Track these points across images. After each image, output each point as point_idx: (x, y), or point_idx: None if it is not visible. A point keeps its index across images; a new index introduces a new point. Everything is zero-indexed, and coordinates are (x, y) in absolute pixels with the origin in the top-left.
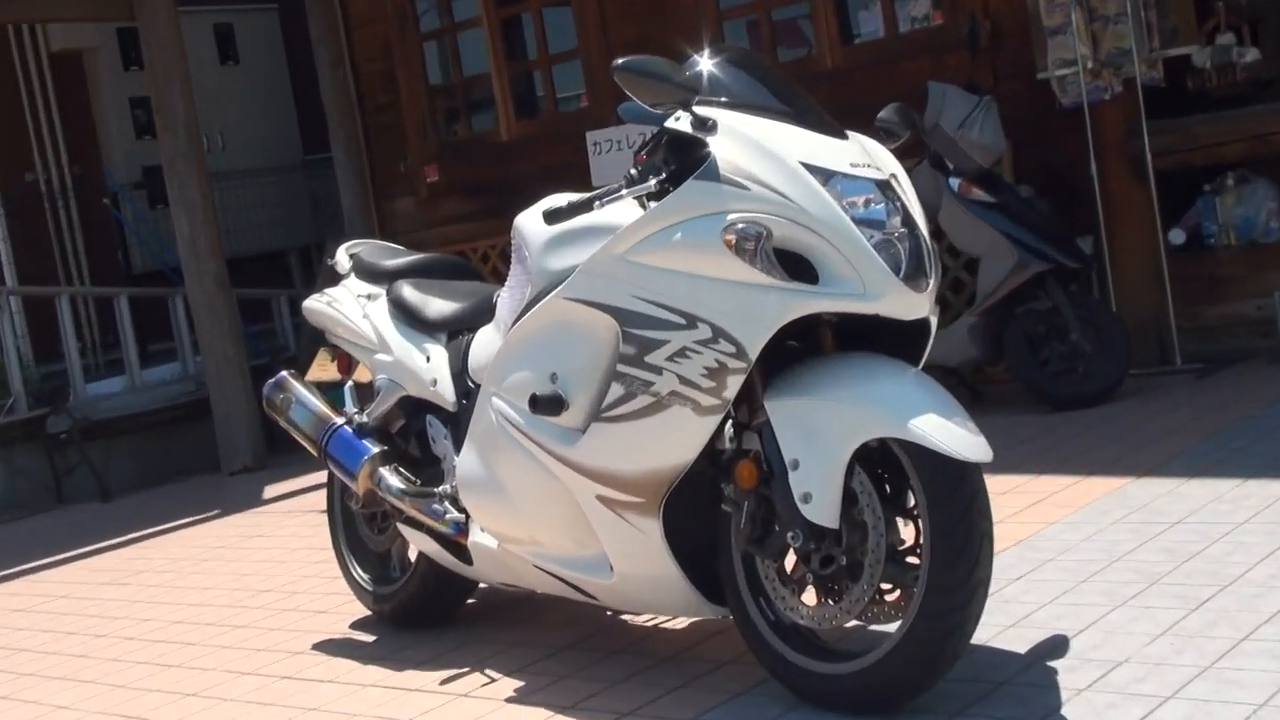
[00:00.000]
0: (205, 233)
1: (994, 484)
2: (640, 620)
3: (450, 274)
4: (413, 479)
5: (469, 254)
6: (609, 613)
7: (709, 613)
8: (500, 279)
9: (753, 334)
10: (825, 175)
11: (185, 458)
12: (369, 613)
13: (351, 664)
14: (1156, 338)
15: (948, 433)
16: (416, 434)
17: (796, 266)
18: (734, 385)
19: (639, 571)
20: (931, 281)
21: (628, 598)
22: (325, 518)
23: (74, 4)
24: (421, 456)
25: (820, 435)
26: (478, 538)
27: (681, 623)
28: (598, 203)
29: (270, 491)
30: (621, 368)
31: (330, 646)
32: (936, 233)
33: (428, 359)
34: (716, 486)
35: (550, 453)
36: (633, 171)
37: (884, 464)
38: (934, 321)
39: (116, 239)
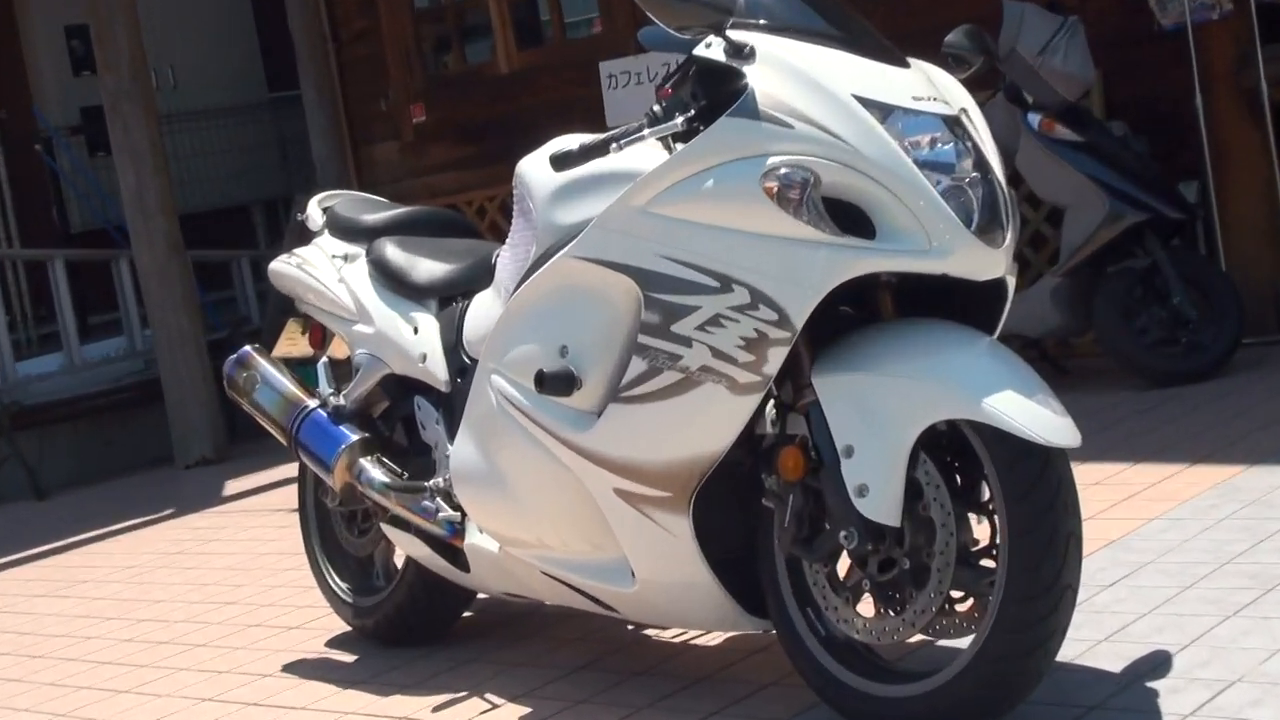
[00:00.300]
0: (154, 185)
1: (1082, 474)
2: (667, 636)
3: (441, 230)
4: (399, 471)
5: (462, 207)
6: (630, 627)
7: (748, 626)
8: (499, 236)
9: (798, 298)
10: (883, 110)
11: (133, 448)
12: (349, 628)
13: (329, 688)
14: (1273, 301)
15: (1028, 413)
16: (403, 418)
17: (849, 218)
18: (776, 359)
19: (665, 578)
20: (1008, 235)
21: (652, 609)
22: (297, 518)
23: None
24: (409, 445)
25: (878, 417)
26: (476, 540)
27: (715, 639)
28: (614, 145)
29: (233, 487)
30: (643, 339)
31: (304, 668)
32: (1014, 178)
33: (415, 330)
34: (756, 479)
35: (560, 439)
36: (655, 108)
37: (954, 451)
38: (1011, 283)
39: (50, 193)
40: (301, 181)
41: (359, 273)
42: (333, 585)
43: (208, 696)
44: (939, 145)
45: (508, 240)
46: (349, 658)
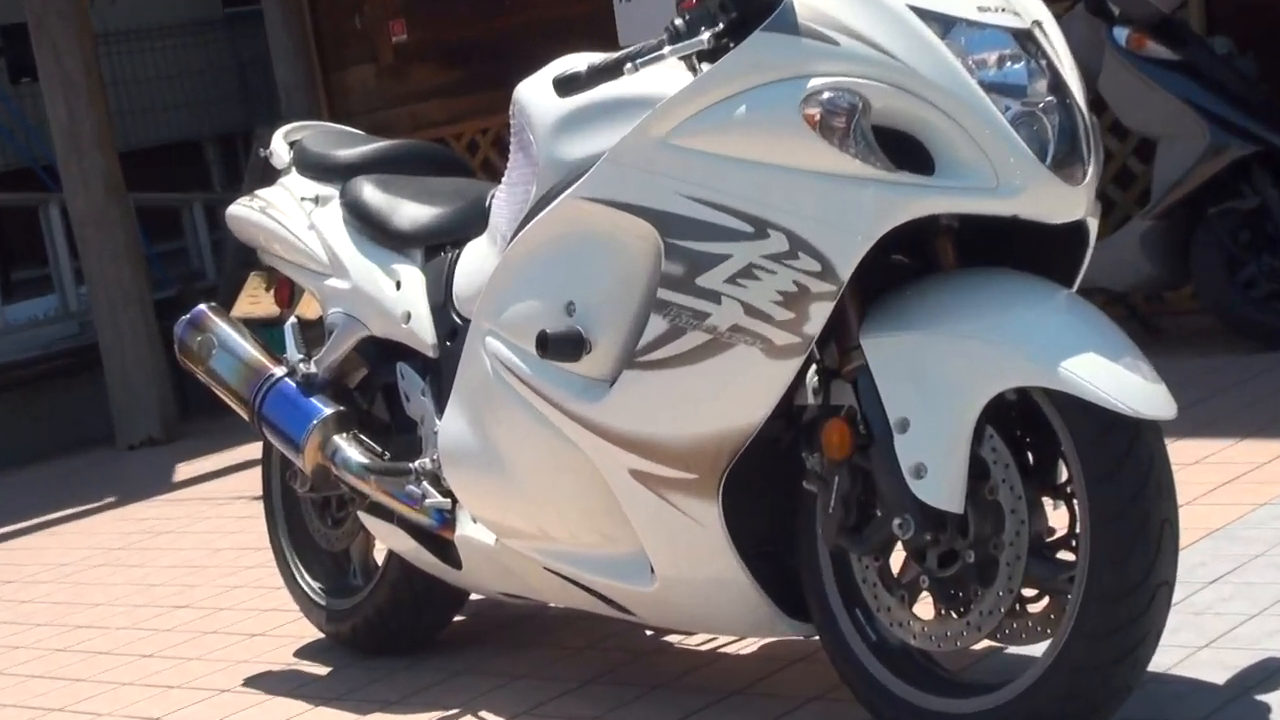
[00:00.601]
0: (90, 117)
1: (1178, 452)
2: (692, 643)
3: (426, 168)
4: (379, 450)
5: (451, 141)
6: (649, 632)
7: (786, 631)
8: (494, 174)
9: (845, 245)
10: (943, 23)
11: (66, 426)
12: (321, 635)
13: (298, 706)
14: None
15: (1114, 379)
16: (384, 389)
17: (904, 151)
18: (819, 316)
19: (690, 575)
20: (1089, 170)
21: (674, 611)
22: (260, 507)
23: None
24: (391, 420)
25: (938, 385)
26: (468, 531)
27: (748, 646)
28: (628, 66)
29: (185, 471)
30: (664, 294)
31: (269, 682)
32: (1097, 103)
33: (398, 285)
34: (795, 457)
35: (566, 412)
36: (677, 23)
37: (1026, 424)
38: (1093, 226)
39: None
40: (263, 112)
41: (332, 218)
42: (303, 585)
43: (157, 715)
44: (1008, 64)
45: (504, 179)
46: (321, 669)
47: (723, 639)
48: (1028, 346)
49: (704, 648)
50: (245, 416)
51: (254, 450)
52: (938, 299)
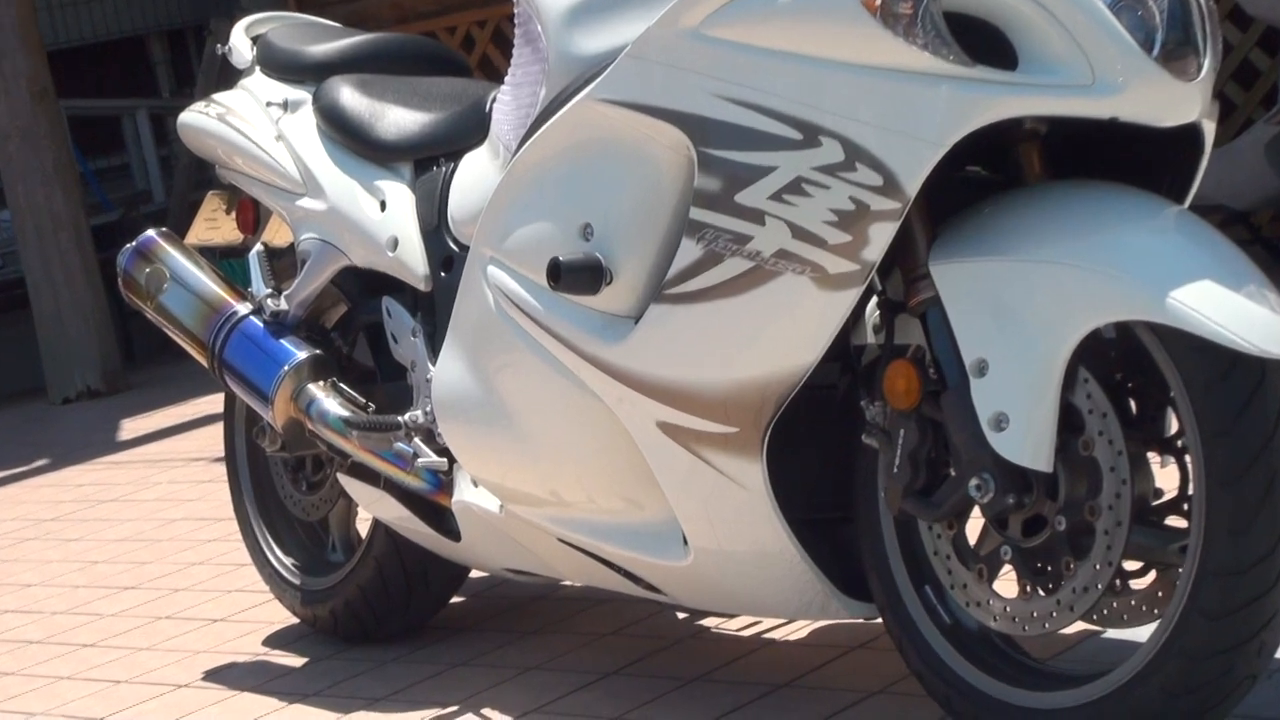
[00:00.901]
0: (10, 10)
1: None
2: (732, 627)
3: (414, 66)
4: (362, 402)
5: (443, 35)
6: (681, 615)
7: (842, 612)
8: (494, 75)
9: (911, 155)
10: None
11: None
12: (295, 620)
13: (268, 703)
14: None
15: (1234, 312)
16: (367, 328)
17: (982, 42)
18: (880, 240)
19: (730, 546)
20: (1205, 63)
21: (712, 590)
22: (221, 469)
23: None
24: (376, 365)
25: (1022, 320)
26: (468, 496)
27: (798, 631)
28: None
29: (130, 428)
30: (698, 214)
31: (234, 676)
32: None
33: (382, 206)
34: (852, 407)
35: (583, 355)
36: None
37: (1128, 366)
38: (1209, 131)
39: None
40: (220, 2)
41: (303, 126)
42: (273, 561)
43: (101, 715)
44: None
45: (507, 79)
46: (296, 660)
47: (768, 622)
48: (1130, 274)
49: (746, 633)
50: (203, 362)
51: (213, 403)
52: (1022, 218)
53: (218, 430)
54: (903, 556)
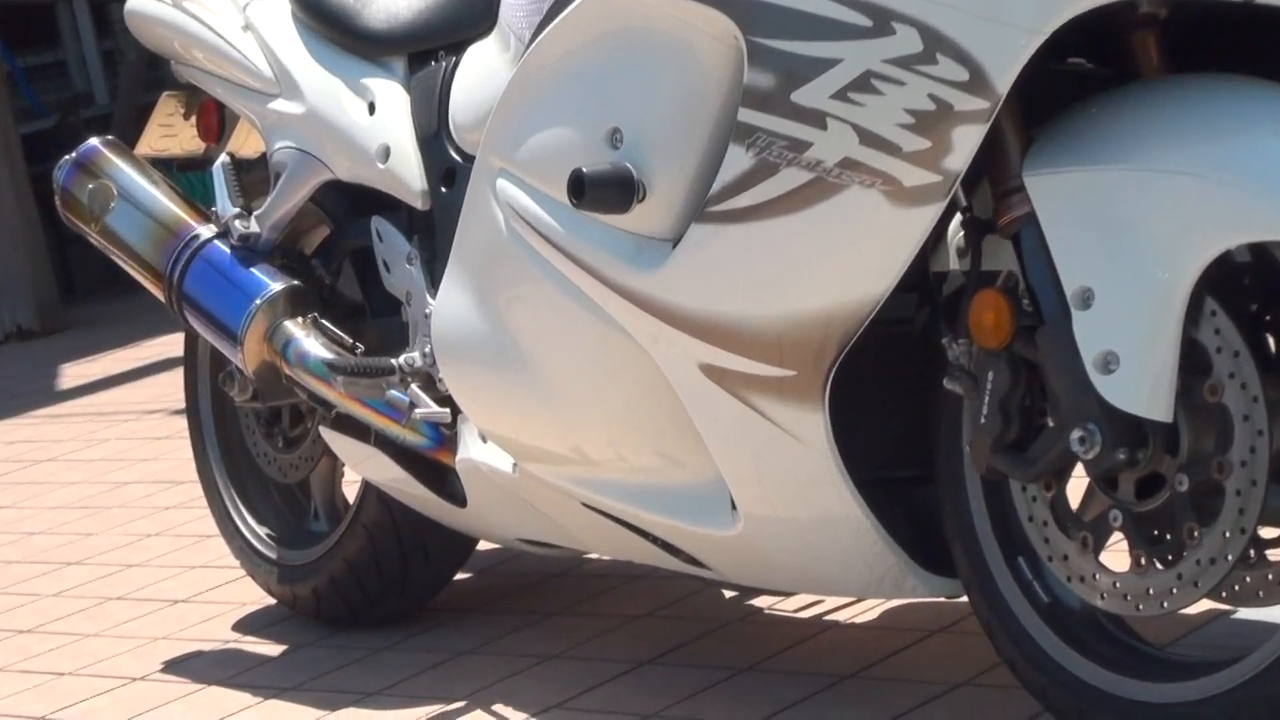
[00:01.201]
0: None
1: None
2: (788, 608)
3: None
4: (348, 342)
5: None
6: (728, 594)
7: (919, 589)
8: None
9: (1002, 43)
10: None
11: None
12: (271, 600)
13: (239, 699)
14: None
15: None
16: (354, 254)
17: None
18: (965, 146)
19: (785, 512)
20: None
21: (764, 564)
22: (181, 423)
23: None
24: (365, 298)
25: (1136, 240)
26: (475, 454)
27: (866, 612)
28: None
29: (71, 375)
30: (748, 116)
31: (199, 666)
32: None
33: (371, 109)
34: (931, 346)
35: (611, 285)
36: None
37: (1265, 296)
38: None
39: None
40: None
41: (277, 13)
42: (244, 532)
43: (38, 715)
44: None
45: None
46: (272, 649)
47: (831, 603)
48: (1269, 185)
49: (804, 614)
50: (159, 296)
51: (171, 344)
52: (1136, 119)
53: (176, 377)
54: (992, 523)
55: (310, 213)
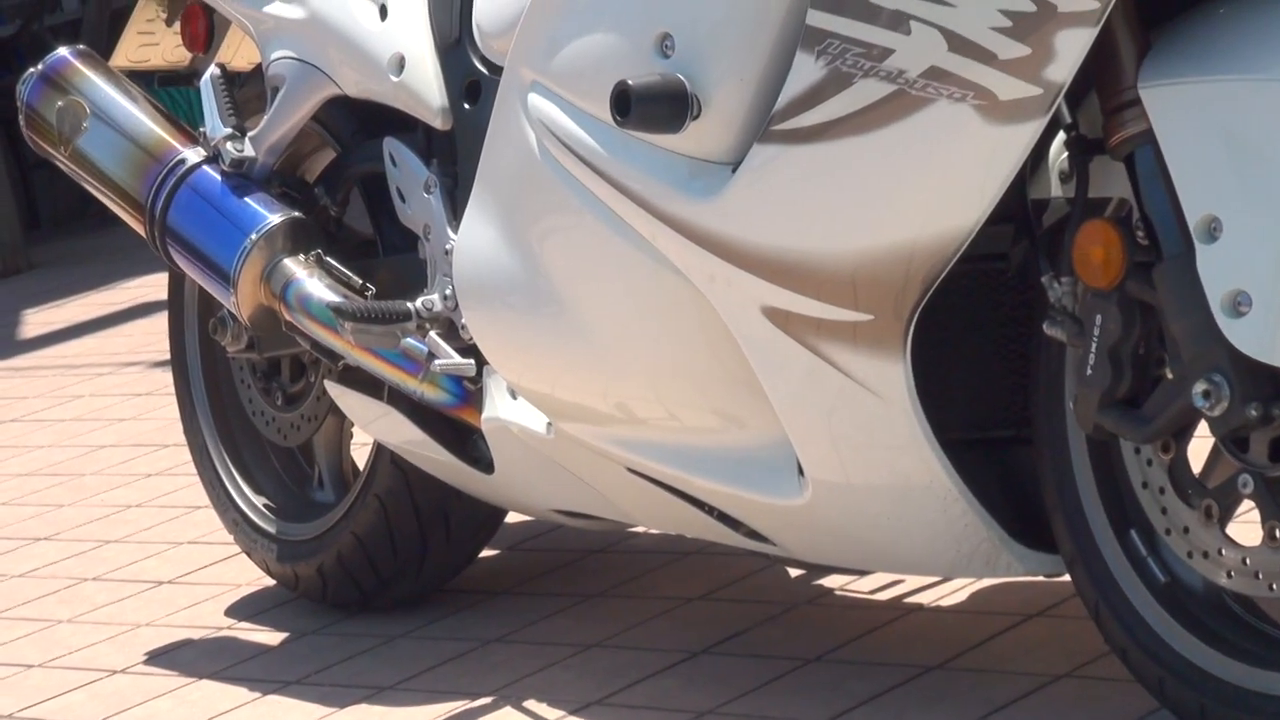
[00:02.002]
0: None
1: None
2: (865, 588)
3: None
4: (357, 282)
5: None
6: (795, 573)
7: (1015, 566)
8: None
9: None
10: None
11: None
12: (269, 580)
13: (236, 694)
14: None
15: None
16: (364, 181)
17: None
18: (1071, 53)
19: (862, 478)
20: None
21: (837, 538)
22: (166, 377)
23: None
24: (377, 232)
25: (1270, 162)
26: (504, 412)
27: (954, 593)
28: None
29: (37, 322)
30: (818, 19)
31: (187, 658)
32: None
33: (383, 12)
34: (1030, 286)
35: (661, 216)
36: None
37: None
38: None
39: None
40: None
41: None
42: (239, 503)
43: (6, 713)
44: None
45: None
46: (271, 636)
47: (913, 582)
48: None
49: (882, 596)
50: (139, 230)
51: (153, 286)
52: (1272, 22)
53: (159, 324)
54: (1100, 491)
55: (313, 134)
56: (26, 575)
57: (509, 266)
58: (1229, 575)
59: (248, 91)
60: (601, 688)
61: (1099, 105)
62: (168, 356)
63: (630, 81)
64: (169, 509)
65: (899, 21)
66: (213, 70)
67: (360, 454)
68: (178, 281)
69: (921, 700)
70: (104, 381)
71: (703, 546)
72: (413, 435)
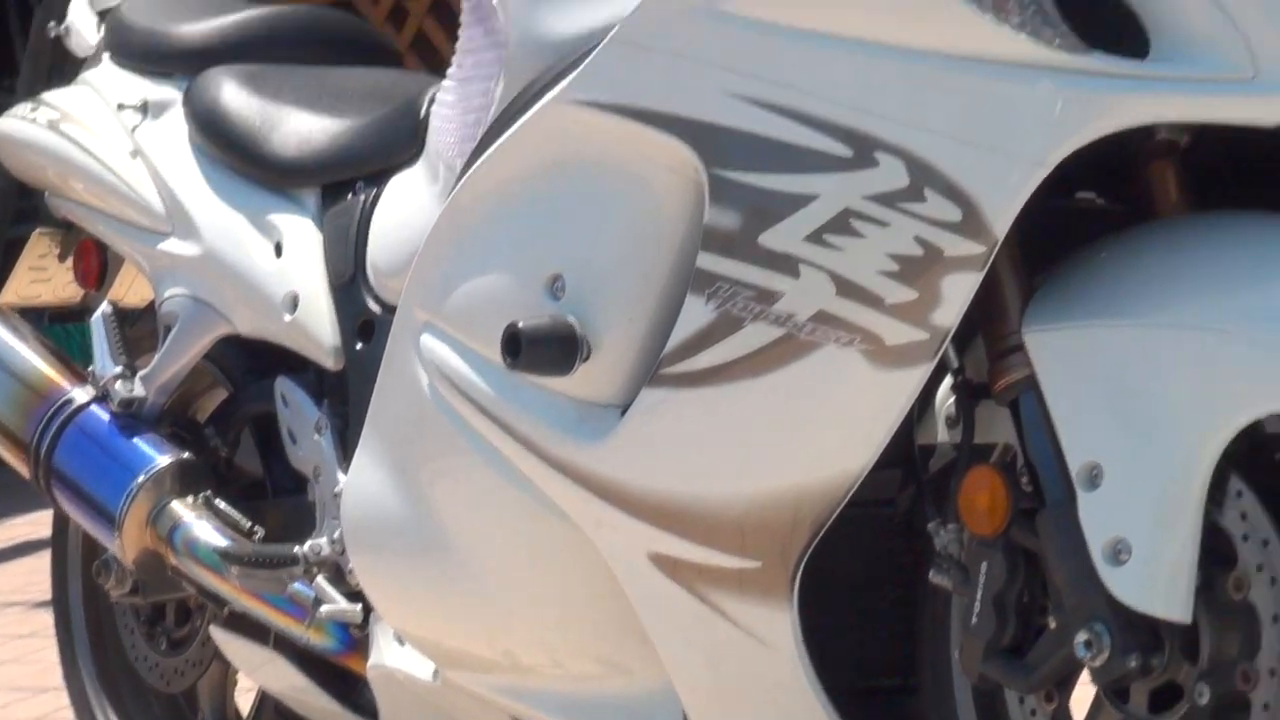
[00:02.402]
0: None
1: None
2: None
3: (323, 50)
4: (245, 525)
5: (364, 9)
6: None
7: None
8: (434, 65)
9: (1001, 177)
10: None
11: None
12: None
13: None
14: None
15: None
16: (254, 422)
17: (1100, 22)
18: (957, 298)
19: None
20: None
21: None
22: (46, 619)
23: None
24: (267, 473)
25: (1151, 408)
26: (390, 659)
27: None
28: None
29: None
30: (709, 262)
31: None
32: None
33: (277, 250)
34: (915, 532)
35: (549, 459)
36: None
37: None
38: None
39: None
40: None
41: (171, 138)
42: None
43: None
44: None
45: (451, 72)
46: None
47: None
48: None
49: None
50: (22, 470)
51: (36, 525)
52: (1154, 266)
53: (41, 564)
54: None
55: (205, 373)
56: None
57: (397, 510)
58: None
59: (140, 329)
60: None
61: (984, 350)
62: (49, 598)
63: (521, 323)
64: None
65: (789, 265)
66: (104, 308)
67: (245, 701)
68: (62, 520)
69: None
70: None
71: None
72: (298, 682)
